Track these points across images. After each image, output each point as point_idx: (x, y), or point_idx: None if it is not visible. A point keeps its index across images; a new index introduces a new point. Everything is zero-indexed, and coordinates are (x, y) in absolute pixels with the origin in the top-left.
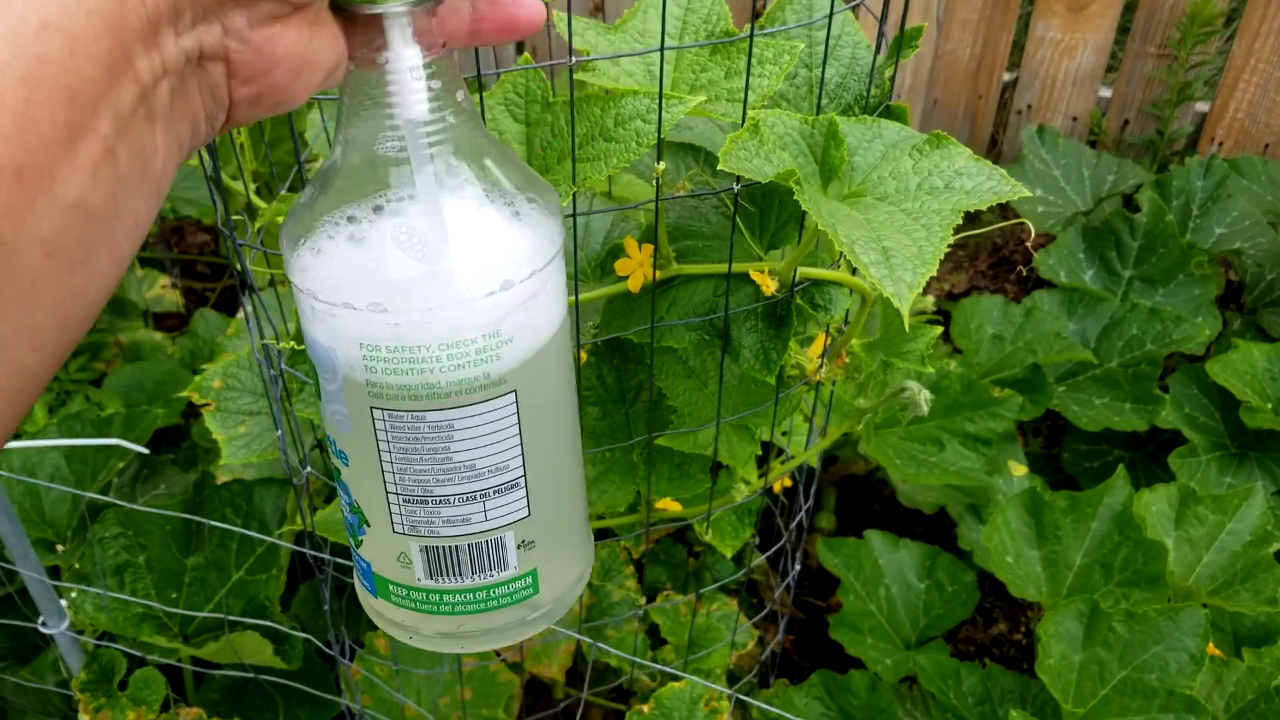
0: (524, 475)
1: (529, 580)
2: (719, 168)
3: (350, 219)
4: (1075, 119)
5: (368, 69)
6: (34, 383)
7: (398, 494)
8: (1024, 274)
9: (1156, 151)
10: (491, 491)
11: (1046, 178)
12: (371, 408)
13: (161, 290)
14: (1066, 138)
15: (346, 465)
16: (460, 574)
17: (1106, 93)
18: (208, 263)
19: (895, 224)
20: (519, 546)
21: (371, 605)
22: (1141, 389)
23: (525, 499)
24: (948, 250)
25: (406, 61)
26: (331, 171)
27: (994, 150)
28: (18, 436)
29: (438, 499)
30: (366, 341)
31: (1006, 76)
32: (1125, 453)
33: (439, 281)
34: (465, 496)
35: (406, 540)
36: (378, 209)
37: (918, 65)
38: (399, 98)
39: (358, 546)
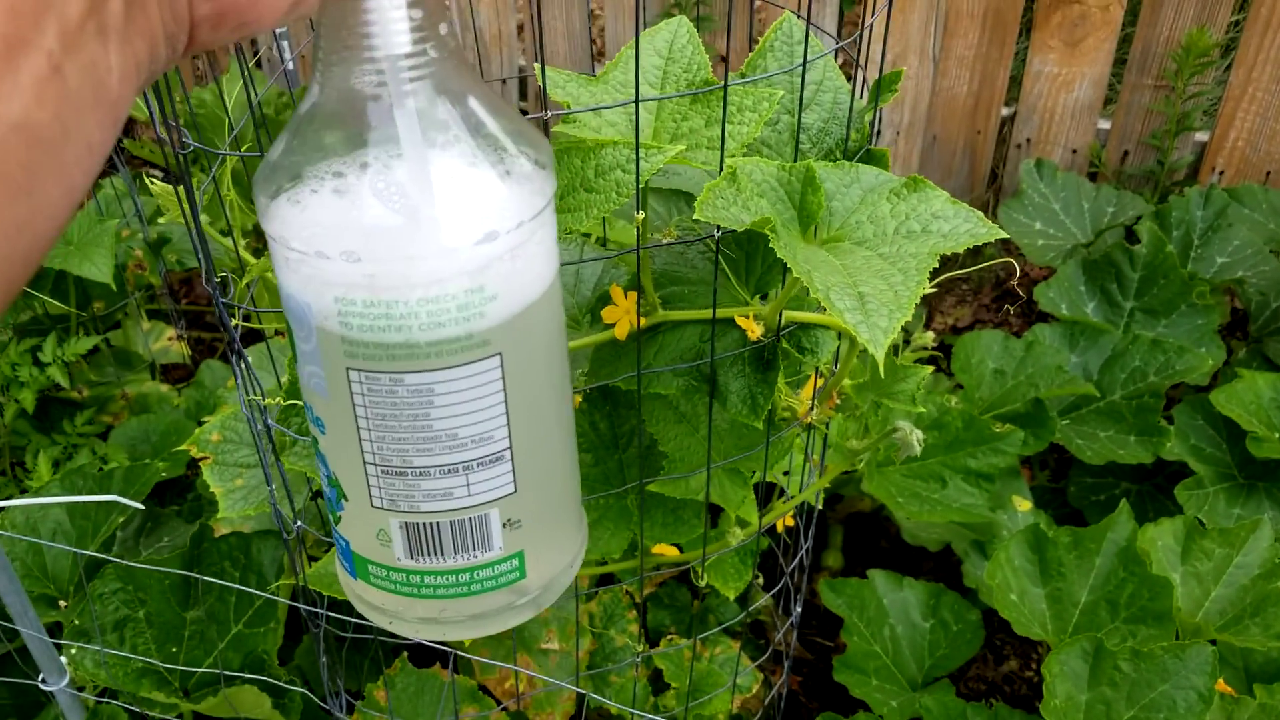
0: (510, 448)
1: (515, 563)
2: (694, 217)
3: (336, 174)
4: (1075, 151)
5: None
6: None
7: (376, 464)
8: (1011, 312)
9: (1158, 182)
10: (475, 464)
11: (1046, 211)
12: (348, 369)
13: (168, 342)
14: (1066, 170)
15: (324, 434)
16: (442, 553)
17: (1105, 125)
18: (215, 313)
19: (872, 268)
20: (504, 525)
21: (351, 588)
22: (1146, 421)
23: (511, 474)
24: (950, 284)
25: None
26: (308, 116)
27: (995, 184)
28: (22, 491)
29: (417, 470)
30: (341, 294)
31: (1005, 111)
32: (1132, 485)
33: (417, 229)
34: (447, 468)
35: (385, 516)
36: (363, 167)
37: (916, 102)
38: (377, 27)
39: (336, 523)
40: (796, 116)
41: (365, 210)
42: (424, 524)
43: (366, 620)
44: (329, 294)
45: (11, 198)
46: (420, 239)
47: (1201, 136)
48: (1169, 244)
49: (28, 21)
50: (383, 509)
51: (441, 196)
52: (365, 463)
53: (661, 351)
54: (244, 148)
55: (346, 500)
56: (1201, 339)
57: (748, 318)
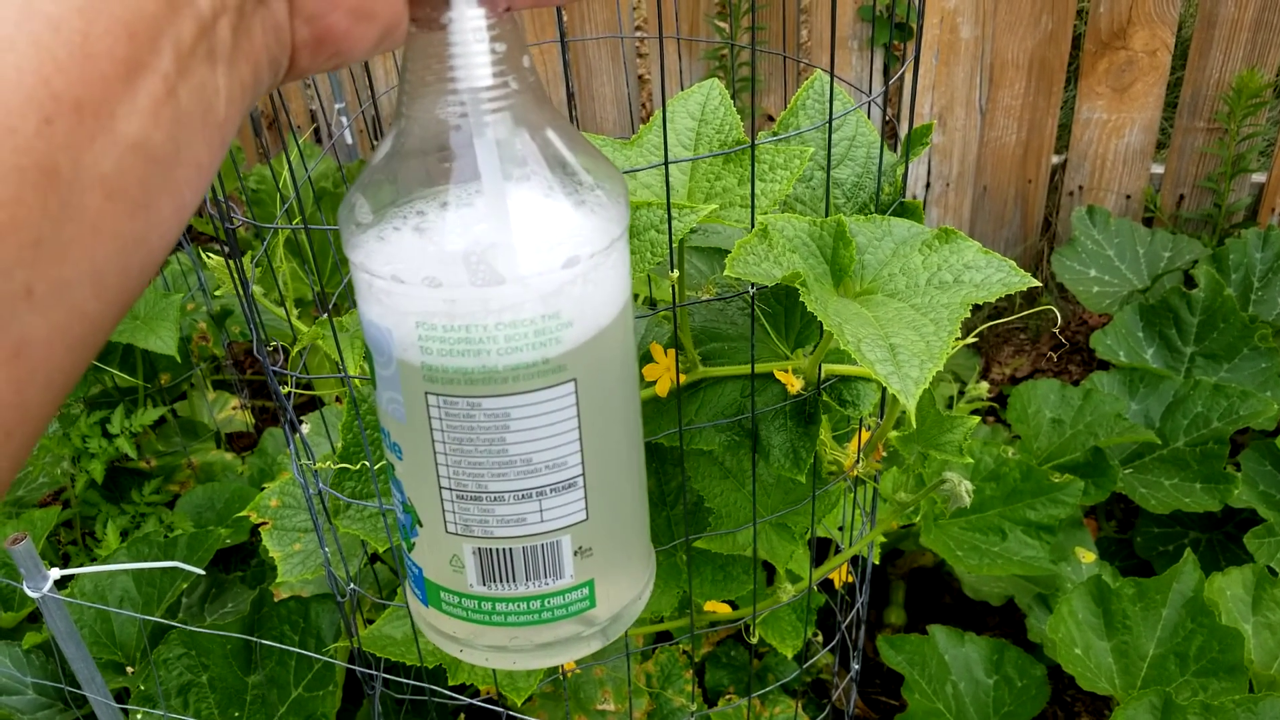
0: (582, 475)
1: (585, 592)
2: (725, 274)
3: (420, 205)
4: (1129, 197)
5: (429, 31)
6: (95, 330)
7: (452, 489)
8: (1057, 357)
9: (1215, 225)
10: (548, 490)
11: (1100, 258)
12: (426, 393)
13: (232, 411)
14: (1120, 217)
15: (400, 459)
16: (514, 580)
17: (1159, 169)
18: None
19: (904, 319)
20: (576, 553)
21: (422, 616)
22: (1211, 468)
23: (583, 501)
24: (1007, 335)
25: (469, 22)
26: (392, 149)
27: (1048, 232)
28: (92, 560)
29: (492, 495)
30: (421, 320)
31: (1055, 159)
32: (1201, 535)
33: (495, 255)
34: (521, 494)
35: (460, 541)
36: (444, 204)
37: (964, 154)
38: (461, 60)
39: (410, 550)
40: (826, 171)
41: (446, 237)
42: (497, 549)
43: (423, 683)
44: (410, 320)
45: (130, 213)
46: (499, 265)
47: (1259, 177)
48: (1227, 287)
49: (145, 45)
50: (457, 534)
51: (520, 223)
52: (441, 487)
53: (703, 408)
54: (295, 220)
55: (421, 526)
56: (1266, 383)
57: (787, 372)
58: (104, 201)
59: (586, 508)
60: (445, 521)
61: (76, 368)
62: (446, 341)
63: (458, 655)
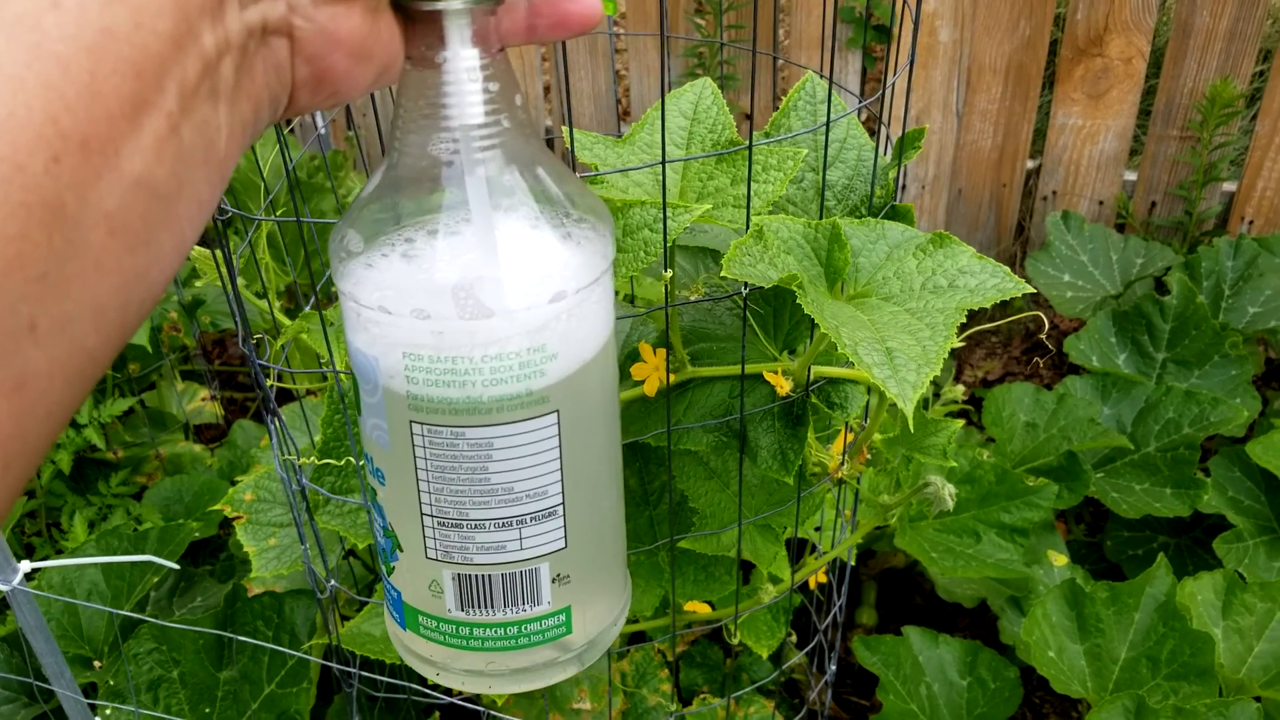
0: (562, 504)
1: (562, 618)
2: (721, 275)
3: (407, 240)
4: (1102, 203)
5: (424, 69)
6: (94, 364)
7: (433, 516)
8: (1040, 365)
9: (1186, 232)
10: (528, 518)
11: (1074, 263)
12: (411, 422)
13: (201, 403)
14: (1093, 222)
15: (383, 485)
16: (492, 606)
17: (1132, 176)
18: (248, 373)
19: (899, 324)
20: (554, 581)
21: (400, 639)
22: (1182, 473)
23: (563, 530)
24: (979, 337)
25: (464, 62)
26: (383, 182)
27: (1021, 236)
28: (58, 552)
29: (473, 523)
30: (408, 350)
31: (1030, 164)
32: (1170, 539)
33: (484, 290)
34: (501, 522)
35: (439, 567)
36: (433, 232)
37: (940, 157)
38: (455, 99)
39: (390, 574)
40: (821, 174)
41: (435, 270)
42: (476, 576)
43: (400, 680)
44: (396, 350)
45: (132, 249)
46: (487, 299)
47: (1229, 186)
48: (1199, 295)
49: (151, 84)
50: (437, 560)
51: (509, 259)
52: (423, 514)
53: (691, 408)
54: (279, 211)
55: (401, 551)
56: (1236, 390)
57: (776, 373)
58: (107, 237)
59: (566, 536)
60: (426, 547)
61: (75, 400)
62: (432, 372)
63: (434, 678)
